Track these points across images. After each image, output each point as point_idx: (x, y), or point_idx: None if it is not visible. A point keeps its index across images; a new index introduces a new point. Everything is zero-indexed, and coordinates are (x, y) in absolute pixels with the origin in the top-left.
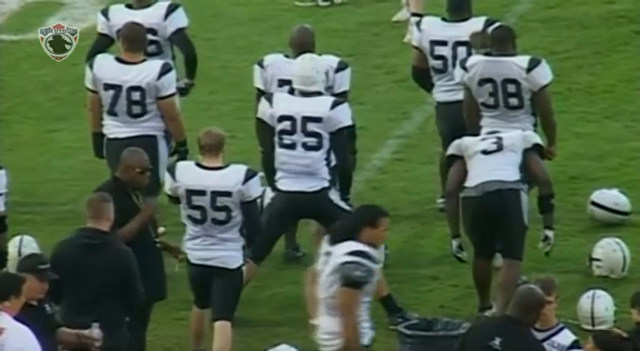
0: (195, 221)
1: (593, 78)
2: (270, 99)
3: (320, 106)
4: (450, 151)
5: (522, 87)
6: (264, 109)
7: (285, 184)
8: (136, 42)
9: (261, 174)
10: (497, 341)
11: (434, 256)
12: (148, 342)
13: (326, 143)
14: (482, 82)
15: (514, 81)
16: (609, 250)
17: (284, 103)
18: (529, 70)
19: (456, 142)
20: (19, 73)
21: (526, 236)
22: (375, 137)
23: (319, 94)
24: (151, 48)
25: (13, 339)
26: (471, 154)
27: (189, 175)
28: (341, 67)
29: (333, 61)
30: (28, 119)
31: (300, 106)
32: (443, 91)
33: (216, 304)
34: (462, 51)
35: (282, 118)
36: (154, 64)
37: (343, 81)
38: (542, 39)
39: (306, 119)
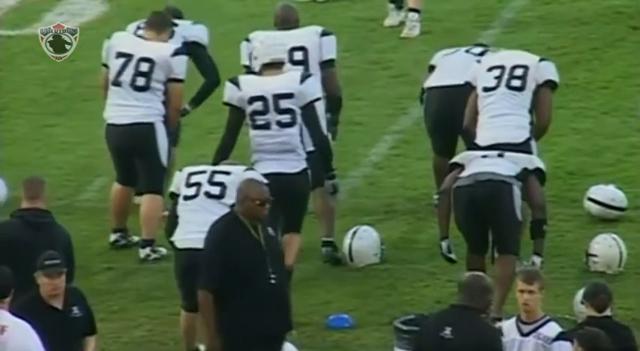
0: (187, 198)
1: (590, 74)
2: (236, 82)
3: (289, 81)
4: (455, 159)
5: (529, 72)
6: (231, 93)
7: (264, 166)
8: (157, 23)
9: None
10: (447, 331)
11: (430, 251)
12: (144, 337)
13: (299, 119)
14: (492, 68)
15: (524, 66)
16: (606, 245)
17: (252, 84)
18: (541, 60)
19: (464, 153)
20: (15, 69)
21: (521, 231)
22: (371, 133)
23: (282, 65)
24: None
25: (15, 336)
26: (471, 158)
27: (194, 167)
28: (326, 33)
29: (316, 28)
30: (25, 114)
31: (269, 85)
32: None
33: None
34: None
35: (252, 99)
36: (171, 45)
37: (331, 47)
38: (538, 35)
39: (278, 97)
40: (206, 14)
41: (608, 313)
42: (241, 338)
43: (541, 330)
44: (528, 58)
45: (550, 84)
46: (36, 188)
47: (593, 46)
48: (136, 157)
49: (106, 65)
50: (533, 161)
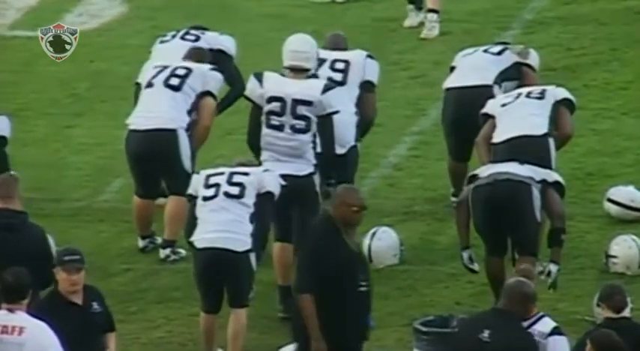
0: (206, 199)
1: (609, 74)
2: (260, 78)
3: (311, 89)
4: (474, 171)
5: (547, 92)
6: (253, 88)
7: (271, 166)
8: (196, 56)
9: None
10: (486, 333)
11: (450, 252)
12: (163, 338)
13: (314, 126)
14: (510, 96)
15: (541, 89)
16: (625, 246)
17: (275, 84)
18: (558, 86)
19: (483, 166)
20: (35, 69)
21: (540, 232)
22: (391, 133)
23: (312, 75)
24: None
25: (34, 337)
26: (490, 167)
27: (212, 169)
28: (372, 57)
29: (363, 51)
30: (45, 115)
31: (291, 88)
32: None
33: (229, 293)
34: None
35: (271, 99)
36: (209, 65)
37: (374, 70)
38: (558, 35)
39: (297, 102)
40: (224, 15)
41: (626, 314)
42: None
43: (535, 326)
44: (545, 86)
45: (567, 102)
46: (8, 187)
47: (613, 46)
48: (158, 164)
49: (138, 84)
50: (552, 175)
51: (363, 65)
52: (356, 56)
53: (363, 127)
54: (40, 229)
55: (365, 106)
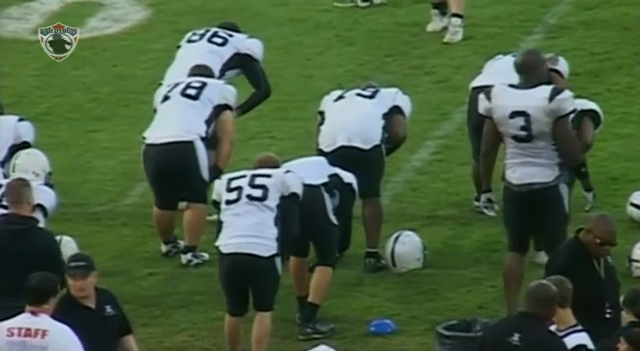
0: (229, 202)
1: (632, 79)
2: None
3: None
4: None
5: (576, 101)
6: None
7: None
8: (199, 70)
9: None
10: (515, 337)
11: (473, 257)
12: (186, 342)
13: None
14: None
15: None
16: None
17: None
18: (581, 93)
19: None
20: (58, 74)
21: (567, 228)
22: (414, 138)
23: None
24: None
25: (56, 340)
26: (502, 131)
27: (233, 173)
28: (405, 93)
29: (397, 89)
30: (68, 120)
31: None
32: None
33: (255, 297)
34: None
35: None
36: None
37: (405, 102)
38: (581, 40)
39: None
40: (249, 19)
41: None
42: None
43: (565, 339)
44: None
45: (592, 113)
46: (16, 192)
47: (636, 51)
48: (177, 176)
49: (161, 84)
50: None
51: (393, 98)
52: (389, 90)
53: (392, 144)
54: (49, 234)
55: (395, 125)
